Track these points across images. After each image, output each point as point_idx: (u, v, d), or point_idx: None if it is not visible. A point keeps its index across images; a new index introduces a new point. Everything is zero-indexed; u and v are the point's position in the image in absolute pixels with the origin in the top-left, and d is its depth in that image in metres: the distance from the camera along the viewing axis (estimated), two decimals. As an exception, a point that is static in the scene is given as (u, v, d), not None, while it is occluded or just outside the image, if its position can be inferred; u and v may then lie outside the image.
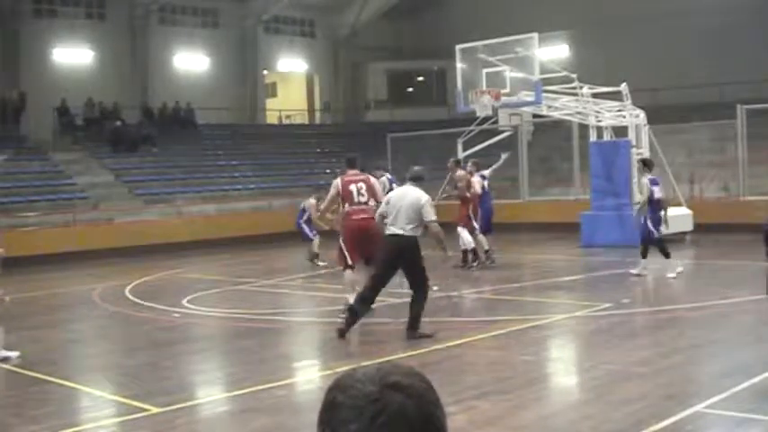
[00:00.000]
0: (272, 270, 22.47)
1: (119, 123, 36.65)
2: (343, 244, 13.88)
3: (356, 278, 13.58)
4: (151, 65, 41.19)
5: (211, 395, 10.12)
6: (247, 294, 18.25)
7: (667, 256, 17.59)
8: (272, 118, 47.83)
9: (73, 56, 39.04)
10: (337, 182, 14.11)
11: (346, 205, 13.81)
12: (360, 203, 13.76)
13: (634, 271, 17.81)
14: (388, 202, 12.31)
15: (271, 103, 48.68)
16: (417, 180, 12.47)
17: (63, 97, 36.37)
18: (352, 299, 12.88)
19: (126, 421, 8.78)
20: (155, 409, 8.90)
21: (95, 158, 34.88)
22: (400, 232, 12.06)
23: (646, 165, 18.35)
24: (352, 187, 13.84)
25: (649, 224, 17.55)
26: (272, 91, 49.79)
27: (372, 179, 14.47)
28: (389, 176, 19.66)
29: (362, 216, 13.63)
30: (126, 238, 28.07)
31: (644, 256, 17.77)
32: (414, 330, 12.13)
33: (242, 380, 10.33)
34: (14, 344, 12.18)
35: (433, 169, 23.32)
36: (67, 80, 37.65)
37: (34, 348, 12.89)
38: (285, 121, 48.12)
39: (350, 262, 13.74)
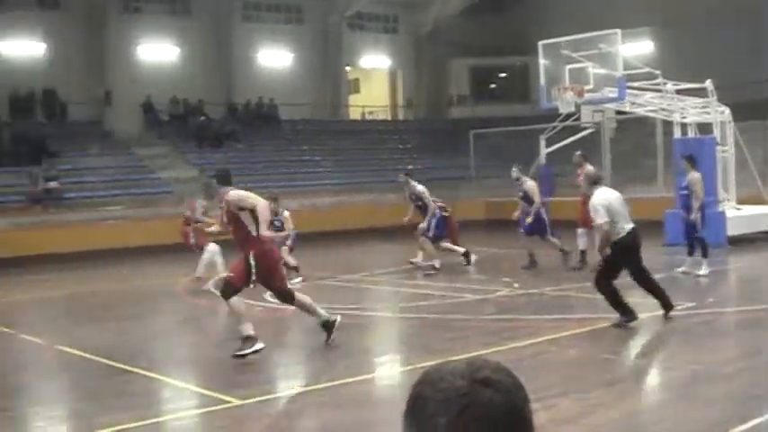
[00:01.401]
0: (354, 266, 22.50)
1: (203, 119, 37.12)
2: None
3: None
4: (235, 61, 41.57)
5: (292, 388, 10.20)
6: (329, 289, 18.31)
7: (706, 254, 17.35)
8: (354, 114, 47.96)
9: (158, 53, 39.56)
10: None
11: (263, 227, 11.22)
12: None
13: (701, 272, 17.46)
14: (608, 207, 12.13)
15: (353, 100, 48.79)
16: (600, 181, 12.71)
17: (148, 94, 36.95)
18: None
19: (207, 413, 8.89)
20: (236, 401, 9.00)
21: (180, 154, 35.37)
22: (633, 225, 12.30)
23: (694, 160, 18.11)
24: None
25: (699, 221, 17.37)
26: (354, 87, 49.89)
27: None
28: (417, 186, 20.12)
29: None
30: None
31: (690, 254, 17.61)
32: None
33: (323, 374, 10.38)
34: (100, 335, 12.41)
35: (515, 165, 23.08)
36: (152, 77, 38.15)
37: (120, 340, 13.11)
38: (367, 117, 48.22)
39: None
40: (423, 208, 20.29)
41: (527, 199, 19.53)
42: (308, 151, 38.45)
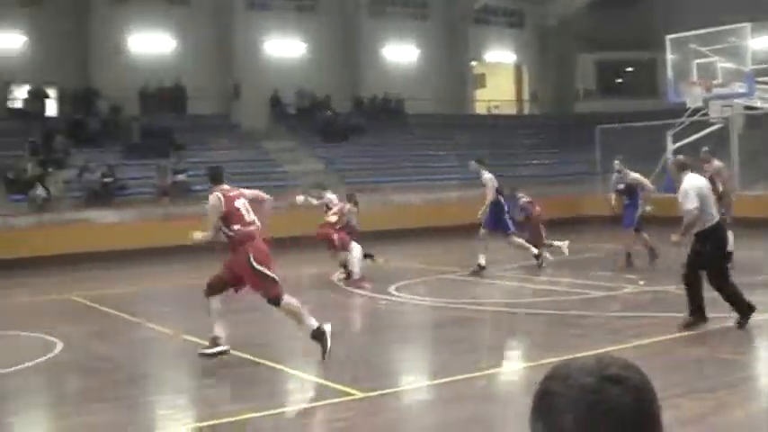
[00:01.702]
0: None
1: (330, 113, 37.37)
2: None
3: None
4: (361, 56, 41.74)
5: (416, 382, 10.11)
6: (454, 284, 18.19)
7: None
8: (480, 108, 47.71)
9: (285, 48, 39.96)
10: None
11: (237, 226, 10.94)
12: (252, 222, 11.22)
13: None
14: (698, 193, 11.67)
15: (479, 94, 48.56)
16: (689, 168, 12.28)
17: (275, 88, 37.39)
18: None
19: (329, 405, 8.83)
20: (359, 394, 8.92)
21: (307, 147, 35.66)
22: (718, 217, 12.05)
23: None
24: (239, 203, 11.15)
25: None
26: (480, 82, 49.62)
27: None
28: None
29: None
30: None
31: None
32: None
33: (447, 368, 10.27)
34: (231, 325, 12.45)
35: (640, 161, 22.54)
36: (279, 71, 38.58)
37: (249, 330, 13.18)
38: (493, 112, 47.87)
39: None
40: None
41: (628, 192, 19.01)
42: (433, 146, 38.30)
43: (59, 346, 12.44)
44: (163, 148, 32.28)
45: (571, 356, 1.67)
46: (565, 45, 46.97)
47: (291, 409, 8.96)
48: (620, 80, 50.11)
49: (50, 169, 29.48)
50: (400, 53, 43.54)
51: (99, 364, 11.57)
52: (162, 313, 16.32)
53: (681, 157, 14.33)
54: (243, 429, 8.02)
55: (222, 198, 10.96)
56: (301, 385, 10.03)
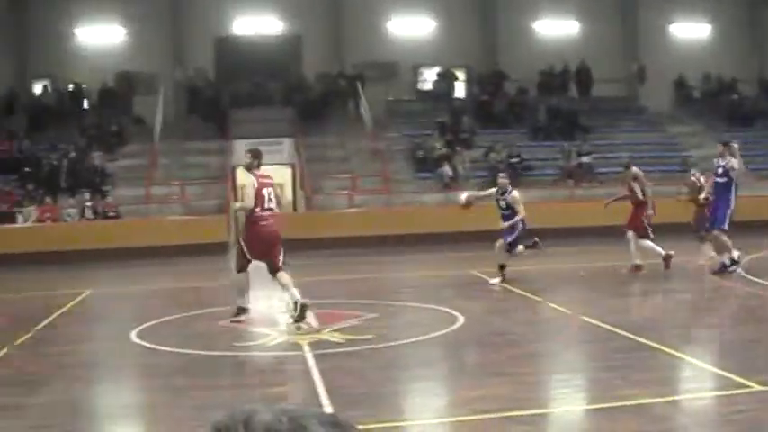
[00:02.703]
0: None
1: (735, 97, 36.01)
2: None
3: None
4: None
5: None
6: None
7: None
8: None
9: (690, 30, 38.84)
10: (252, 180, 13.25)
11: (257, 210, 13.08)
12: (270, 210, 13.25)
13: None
14: None
15: None
16: None
17: (680, 71, 36.53)
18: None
19: (725, 396, 8.64)
20: (757, 387, 8.64)
21: (711, 132, 34.53)
22: None
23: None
24: (265, 191, 13.19)
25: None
26: None
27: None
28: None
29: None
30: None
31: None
32: None
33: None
34: (623, 309, 12.45)
35: None
36: (685, 54, 37.60)
37: (646, 315, 13.16)
38: None
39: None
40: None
41: None
42: None
43: (461, 320, 13.03)
44: (568, 130, 32.62)
45: None
46: None
47: (685, 397, 8.87)
48: None
49: (458, 149, 30.66)
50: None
51: (497, 339, 12.00)
52: (563, 293, 16.50)
53: None
54: (637, 414, 8.04)
55: (256, 182, 13.07)
56: (696, 373, 9.88)
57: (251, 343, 12.25)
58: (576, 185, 29.65)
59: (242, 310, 13.30)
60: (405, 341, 11.84)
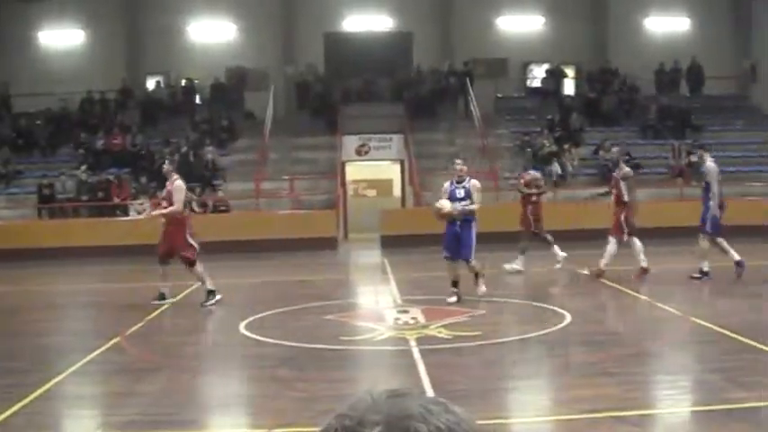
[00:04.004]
0: None
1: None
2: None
3: None
4: None
5: None
6: None
7: None
8: None
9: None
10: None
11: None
12: None
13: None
14: None
15: None
16: None
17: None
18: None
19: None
20: None
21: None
22: None
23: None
24: None
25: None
26: None
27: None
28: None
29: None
30: None
31: None
32: None
33: None
34: (733, 311, 12.29)
35: None
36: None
37: (753, 317, 13.00)
38: None
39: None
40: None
41: None
42: None
43: (567, 318, 13.09)
44: (679, 128, 32.25)
45: None
46: None
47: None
48: None
49: (566, 146, 30.54)
50: None
51: (605, 338, 12.03)
52: (671, 294, 16.31)
53: None
54: (744, 418, 8.03)
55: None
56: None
57: (357, 337, 12.50)
58: (685, 184, 29.27)
59: None
60: (511, 338, 11.97)
